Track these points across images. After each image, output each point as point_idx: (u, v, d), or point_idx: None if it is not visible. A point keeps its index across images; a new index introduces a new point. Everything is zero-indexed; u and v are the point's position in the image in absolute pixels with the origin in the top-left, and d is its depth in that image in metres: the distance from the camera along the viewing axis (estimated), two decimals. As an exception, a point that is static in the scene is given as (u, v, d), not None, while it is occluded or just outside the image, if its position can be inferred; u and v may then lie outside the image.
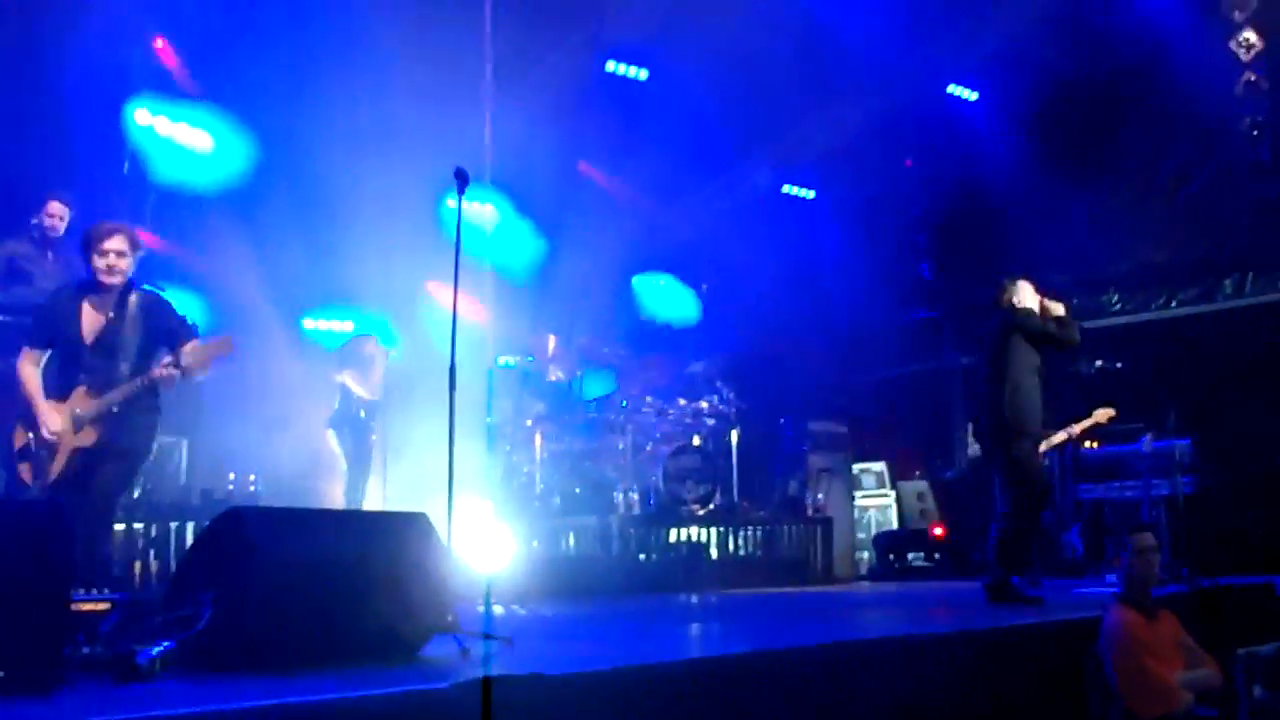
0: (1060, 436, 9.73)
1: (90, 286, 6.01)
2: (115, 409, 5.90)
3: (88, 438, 5.88)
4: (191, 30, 10.65)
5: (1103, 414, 9.91)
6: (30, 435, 5.89)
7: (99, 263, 5.94)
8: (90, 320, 5.97)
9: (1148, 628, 5.48)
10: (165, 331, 6.12)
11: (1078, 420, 9.89)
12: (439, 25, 10.54)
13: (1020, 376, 7.89)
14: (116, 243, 5.96)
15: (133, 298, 6.05)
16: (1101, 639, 5.53)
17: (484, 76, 10.70)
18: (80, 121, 9.51)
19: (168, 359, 5.96)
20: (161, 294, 6.36)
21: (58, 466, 5.85)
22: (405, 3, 10.48)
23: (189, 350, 5.96)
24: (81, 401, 5.88)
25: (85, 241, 6.03)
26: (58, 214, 8.15)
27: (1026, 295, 8.23)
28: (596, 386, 11.86)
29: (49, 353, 6.03)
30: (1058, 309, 8.14)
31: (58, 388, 5.96)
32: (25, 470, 5.91)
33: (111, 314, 5.98)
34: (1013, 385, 7.87)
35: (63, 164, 9.18)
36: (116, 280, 5.97)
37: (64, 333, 5.96)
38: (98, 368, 5.95)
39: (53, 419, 5.83)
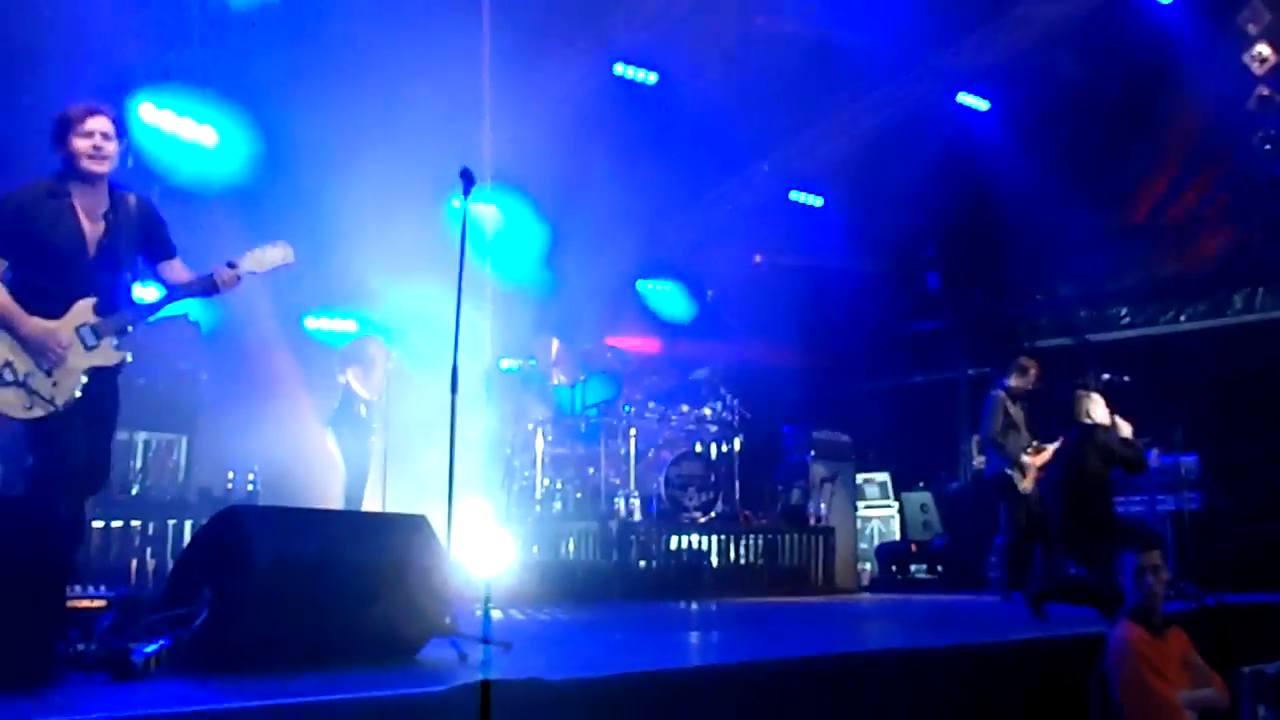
0: (1052, 449, 9.59)
1: (78, 183, 5.12)
2: (132, 327, 5.22)
3: (107, 356, 5.10)
4: (198, 28, 10.62)
5: None
6: (9, 358, 4.92)
7: (82, 145, 5.05)
8: (89, 225, 5.13)
9: (1154, 645, 5.43)
10: (160, 243, 5.42)
11: None
12: (445, 26, 10.50)
13: (1089, 492, 7.98)
14: (101, 122, 5.11)
15: (130, 198, 5.28)
16: (1106, 655, 5.47)
17: (490, 77, 10.67)
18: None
19: (228, 261, 5.30)
20: (150, 201, 5.48)
21: (66, 390, 4.98)
22: (411, 3, 10.45)
23: (253, 254, 5.38)
24: (88, 314, 5.06)
25: (61, 125, 5.10)
26: None
27: (1099, 409, 8.26)
28: (599, 391, 11.83)
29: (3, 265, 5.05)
30: (1126, 429, 8.21)
31: (43, 306, 5.02)
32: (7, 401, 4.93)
33: (111, 215, 5.18)
34: (1080, 501, 7.93)
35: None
36: (104, 168, 5.12)
37: (54, 239, 5.04)
38: (103, 284, 5.15)
39: (56, 331, 4.98)
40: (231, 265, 5.33)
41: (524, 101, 11.42)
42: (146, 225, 5.34)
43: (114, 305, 5.17)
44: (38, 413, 4.95)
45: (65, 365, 4.99)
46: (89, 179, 5.11)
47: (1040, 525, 9.56)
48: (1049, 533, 9.08)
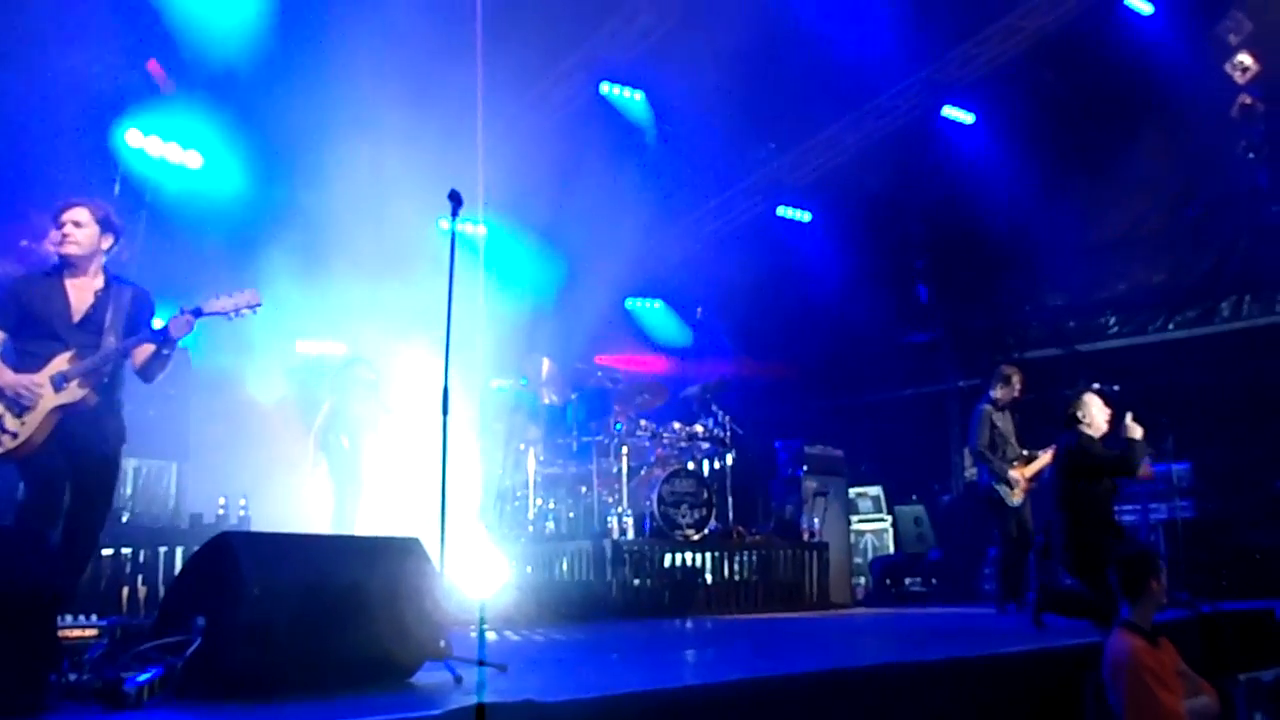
0: (1043, 460, 9.66)
1: (65, 267, 5.81)
2: (106, 378, 5.74)
3: (72, 395, 5.61)
4: (184, 52, 10.63)
5: None
6: None
7: (55, 236, 5.79)
8: (77, 297, 5.77)
9: (1153, 655, 5.42)
10: (148, 324, 5.92)
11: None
12: (433, 47, 10.53)
13: (1082, 504, 7.89)
14: (74, 214, 5.79)
15: (128, 291, 5.89)
16: (1106, 666, 5.46)
17: (478, 98, 10.69)
18: (71, 142, 9.48)
19: (184, 307, 5.73)
20: (147, 294, 6.03)
21: (35, 428, 5.51)
22: (399, 24, 10.47)
23: (218, 300, 5.78)
24: (63, 365, 5.62)
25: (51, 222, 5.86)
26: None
27: (1095, 411, 8.10)
28: (590, 410, 11.82)
29: (3, 338, 5.71)
30: (1136, 432, 7.95)
31: (29, 365, 5.62)
32: None
33: (100, 293, 5.81)
34: (1075, 513, 7.89)
35: (53, 185, 9.14)
36: (73, 250, 5.76)
37: (44, 310, 5.70)
38: (84, 342, 5.71)
39: (33, 380, 5.54)
40: (185, 312, 5.74)
41: (512, 121, 11.45)
42: (135, 311, 5.89)
43: (89, 356, 5.70)
44: (5, 447, 5.51)
45: (36, 408, 5.55)
46: (70, 264, 5.81)
47: (1031, 537, 9.62)
48: (1041, 544, 9.09)
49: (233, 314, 5.81)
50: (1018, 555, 9.72)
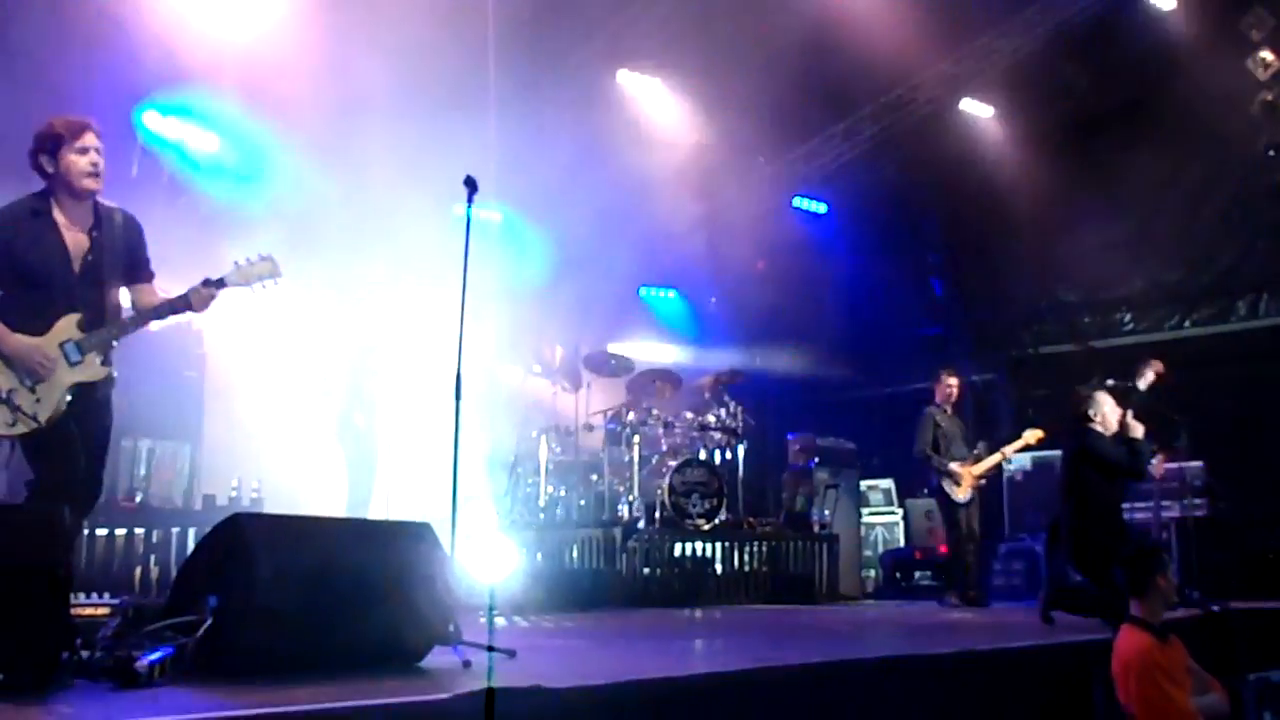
0: (994, 459, 10.34)
1: (62, 196, 5.08)
2: (116, 343, 5.18)
3: (93, 371, 5.05)
4: (202, 36, 10.64)
5: (1032, 435, 10.48)
6: None
7: (80, 162, 5.02)
8: (73, 241, 5.08)
9: (1163, 652, 5.40)
10: (139, 265, 5.36)
11: (1009, 443, 10.53)
12: (450, 34, 10.52)
13: (1090, 502, 7.87)
14: (95, 138, 5.08)
15: (117, 215, 5.22)
16: (1115, 662, 5.44)
17: (490, 83, 10.69)
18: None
19: (205, 279, 5.21)
20: (134, 220, 5.38)
21: (54, 408, 4.96)
22: (415, 12, 10.47)
23: (240, 268, 5.28)
24: (72, 331, 5.01)
25: (52, 141, 5.04)
26: None
27: (1108, 409, 8.06)
28: (603, 398, 11.83)
29: None
30: (1138, 430, 7.98)
31: (28, 323, 4.98)
32: None
33: (95, 232, 5.13)
34: (1081, 510, 7.86)
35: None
36: (100, 185, 5.08)
37: (37, 256, 5.00)
38: (88, 299, 5.09)
39: (40, 347, 4.94)
40: (208, 284, 5.24)
41: (528, 107, 11.43)
42: (131, 243, 5.29)
43: (99, 321, 5.11)
44: (20, 429, 4.93)
45: (49, 381, 4.96)
46: (79, 196, 5.09)
47: (978, 534, 10.32)
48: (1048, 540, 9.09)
49: (256, 286, 5.34)
50: (963, 550, 10.20)
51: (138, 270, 5.35)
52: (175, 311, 5.27)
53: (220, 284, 5.26)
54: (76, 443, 5.06)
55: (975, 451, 10.43)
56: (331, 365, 10.94)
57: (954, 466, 10.22)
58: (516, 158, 10.76)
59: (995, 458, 10.39)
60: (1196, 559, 9.91)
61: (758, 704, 4.52)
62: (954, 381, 10.70)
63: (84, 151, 5.03)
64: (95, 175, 5.06)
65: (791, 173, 15.79)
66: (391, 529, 5.83)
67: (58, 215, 5.07)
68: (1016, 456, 12.58)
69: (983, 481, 10.37)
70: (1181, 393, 11.97)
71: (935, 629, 7.92)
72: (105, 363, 5.13)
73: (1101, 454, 7.89)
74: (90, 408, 5.14)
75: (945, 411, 10.59)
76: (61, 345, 4.99)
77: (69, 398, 5.01)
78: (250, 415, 10.41)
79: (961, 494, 10.19)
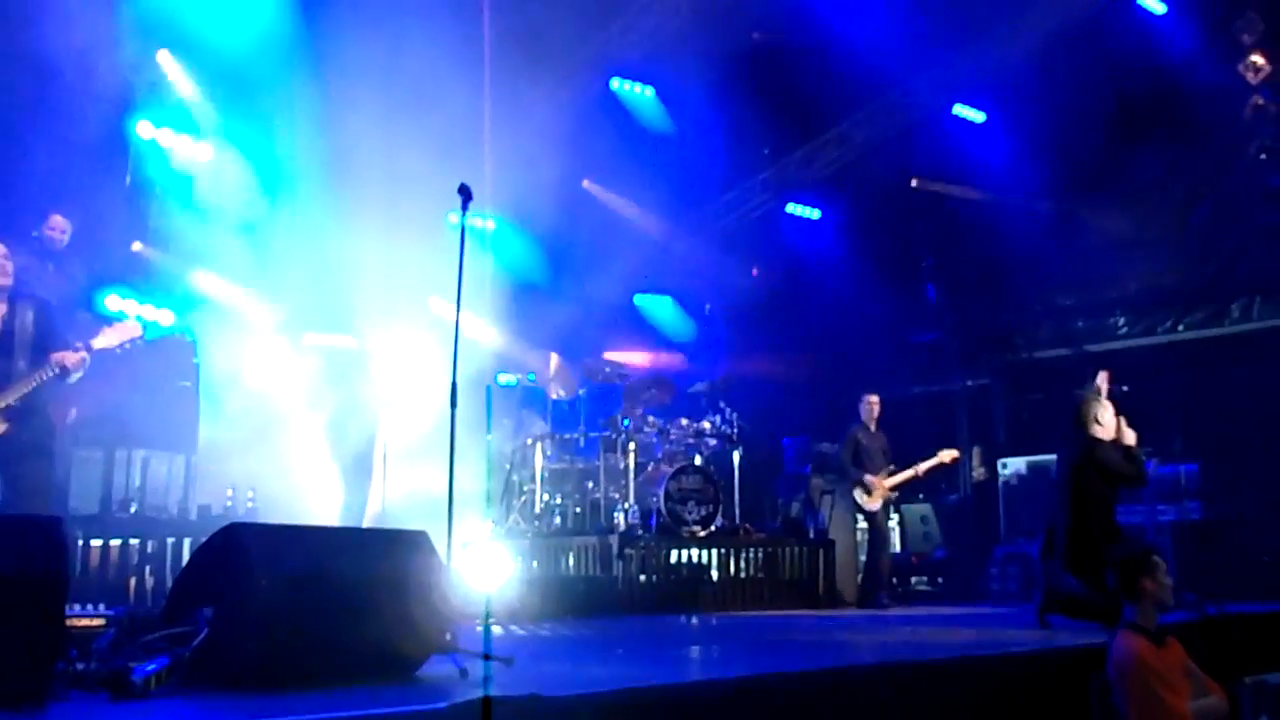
0: (906, 474, 11.17)
1: None
2: (18, 403, 6.21)
3: None
4: (196, 44, 10.64)
5: (947, 455, 11.53)
6: None
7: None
8: None
9: (1158, 655, 5.40)
10: (56, 335, 6.45)
11: (925, 460, 11.32)
12: (444, 44, 10.54)
13: (1088, 508, 7.86)
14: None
15: (25, 302, 6.42)
16: (1110, 666, 5.44)
17: (487, 93, 10.70)
18: (83, 133, 9.50)
19: (78, 344, 6.31)
20: (47, 303, 6.64)
21: None
22: (410, 20, 10.49)
23: (104, 333, 6.39)
24: None
25: None
26: (59, 227, 8.21)
27: (1107, 414, 8.07)
28: (598, 405, 11.83)
29: None
30: (1130, 438, 7.99)
31: None
32: None
33: (4, 313, 6.32)
34: (1080, 514, 7.86)
35: (65, 175, 9.16)
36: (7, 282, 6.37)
37: None
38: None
39: None
40: (78, 349, 6.31)
41: (522, 116, 11.45)
42: (43, 321, 6.43)
43: (3, 386, 6.24)
44: None
45: None
46: None
47: (886, 541, 11.33)
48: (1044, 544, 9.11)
49: (118, 348, 6.44)
50: (874, 556, 11.01)
51: (59, 341, 6.42)
52: (59, 377, 6.32)
53: (88, 348, 6.34)
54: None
55: (890, 467, 11.16)
56: (325, 375, 10.93)
57: (868, 477, 10.94)
58: (511, 167, 10.76)
59: (907, 474, 11.23)
60: (1192, 562, 9.92)
61: (754, 711, 4.52)
62: (874, 399, 11.39)
63: None
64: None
65: (785, 179, 15.80)
66: (387, 538, 5.83)
67: None
68: (1012, 461, 12.67)
69: (894, 494, 11.44)
70: (1176, 396, 12.03)
71: (931, 634, 7.92)
72: (3, 418, 6.20)
73: (1108, 462, 7.87)
74: (10, 464, 6.25)
75: (868, 429, 11.27)
76: None
77: None
78: (245, 425, 10.39)
79: (872, 503, 10.98)
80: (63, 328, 6.58)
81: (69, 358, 6.25)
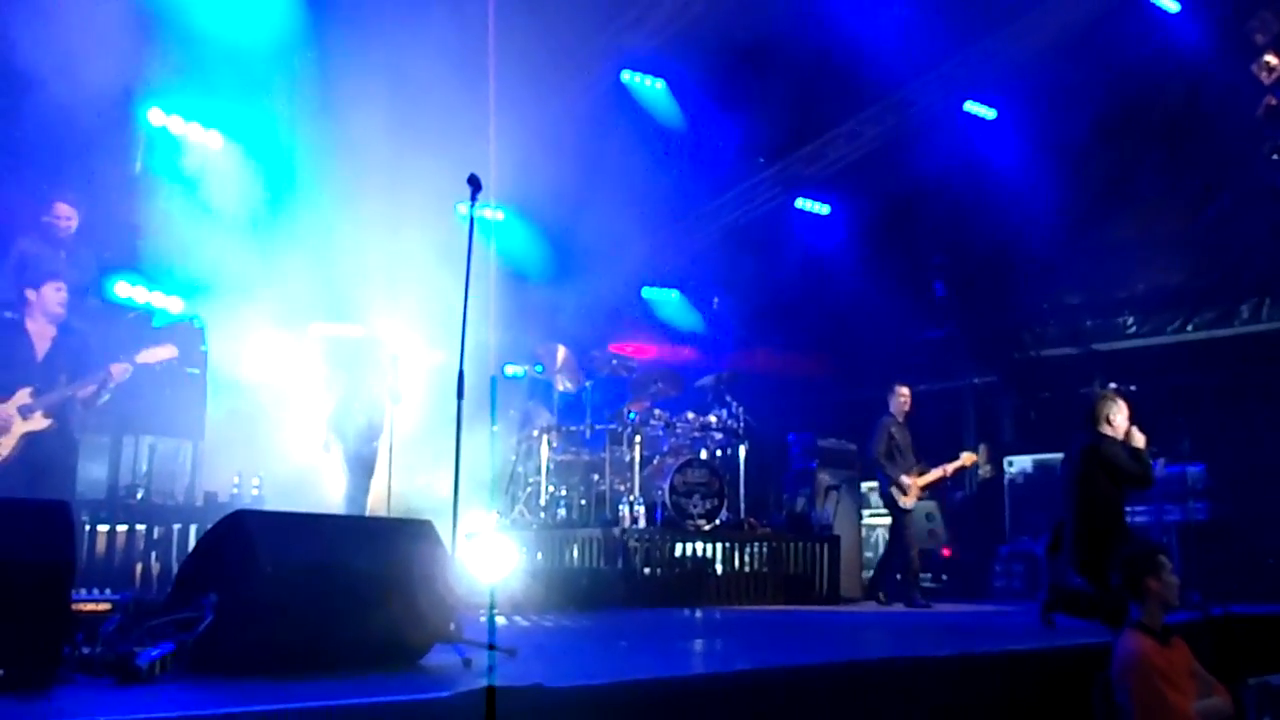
0: (935, 474, 11.05)
1: (32, 314, 7.09)
2: (60, 403, 6.94)
3: (39, 423, 6.87)
4: (204, 35, 10.64)
5: (968, 457, 11.54)
6: None
7: (56, 298, 7.13)
8: (40, 340, 7.05)
9: (1163, 655, 5.39)
10: (94, 364, 7.10)
11: (951, 460, 11.25)
12: (452, 36, 10.52)
13: (1095, 506, 7.82)
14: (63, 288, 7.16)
15: (71, 334, 7.20)
16: (1115, 665, 5.43)
17: (496, 84, 10.69)
18: (93, 120, 9.50)
19: (123, 358, 7.02)
20: (87, 337, 7.41)
21: (5, 448, 6.73)
22: (419, 11, 10.47)
23: (146, 351, 7.14)
24: (25, 398, 6.84)
25: (41, 282, 7.16)
26: (65, 215, 8.21)
27: (1120, 416, 8.03)
28: (604, 398, 11.82)
29: None
30: (1139, 440, 7.95)
31: None
32: None
33: (57, 337, 7.12)
34: (1088, 513, 7.81)
35: (75, 162, 9.17)
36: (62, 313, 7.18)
37: (9, 352, 6.91)
38: (45, 378, 6.94)
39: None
40: (122, 359, 7.02)
41: (531, 108, 11.43)
42: (80, 357, 7.11)
43: (48, 393, 6.93)
44: None
45: (7, 433, 6.77)
46: (48, 318, 7.11)
47: (913, 540, 10.97)
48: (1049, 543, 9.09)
49: (158, 365, 7.32)
50: (900, 555, 10.83)
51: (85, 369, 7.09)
52: (100, 383, 7.06)
53: (132, 361, 7.07)
54: (21, 483, 6.61)
55: (920, 465, 10.99)
56: (332, 363, 10.93)
57: (904, 479, 10.79)
58: (520, 158, 10.74)
59: (936, 472, 11.10)
60: (1197, 562, 9.91)
61: (757, 705, 4.52)
62: (905, 391, 11.19)
63: (59, 291, 7.13)
64: (62, 308, 7.15)
65: (794, 174, 15.77)
66: (393, 527, 5.84)
67: (29, 324, 7.10)
68: (1018, 459, 12.68)
69: (925, 493, 11.28)
70: (1184, 396, 12.01)
71: (936, 631, 7.91)
72: (47, 415, 6.92)
73: (1117, 462, 7.82)
74: (40, 452, 6.87)
75: (899, 422, 11.09)
76: (18, 408, 6.83)
77: (20, 444, 6.84)
78: (252, 414, 10.40)
79: (907, 501, 10.81)
80: (98, 360, 7.17)
81: (117, 368, 6.97)
